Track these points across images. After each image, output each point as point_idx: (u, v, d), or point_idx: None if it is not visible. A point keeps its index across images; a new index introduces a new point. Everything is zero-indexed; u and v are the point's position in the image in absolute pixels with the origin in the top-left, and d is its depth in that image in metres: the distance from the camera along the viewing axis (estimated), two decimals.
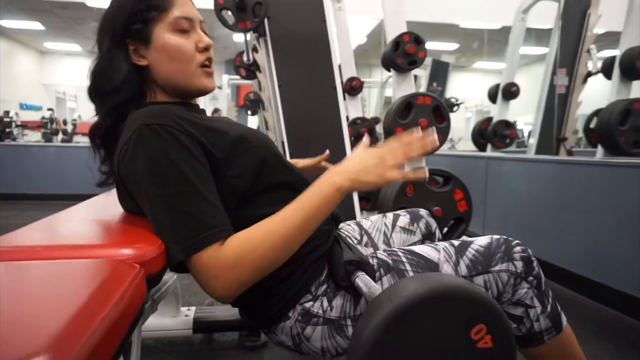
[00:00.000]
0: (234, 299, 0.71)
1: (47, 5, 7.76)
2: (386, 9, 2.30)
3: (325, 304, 0.82)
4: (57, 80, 11.65)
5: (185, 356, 1.42)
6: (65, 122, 8.42)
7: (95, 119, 0.84)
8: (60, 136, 7.78)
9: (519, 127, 7.10)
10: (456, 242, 0.90)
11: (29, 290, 0.46)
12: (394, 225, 1.16)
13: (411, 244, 1.11)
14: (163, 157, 0.67)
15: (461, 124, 7.72)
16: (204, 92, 0.83)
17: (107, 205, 0.95)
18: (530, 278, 0.85)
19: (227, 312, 1.53)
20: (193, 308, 1.51)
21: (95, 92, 0.80)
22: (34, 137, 7.97)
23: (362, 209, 3.05)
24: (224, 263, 0.66)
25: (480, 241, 0.89)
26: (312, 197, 0.73)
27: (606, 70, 3.35)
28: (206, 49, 0.81)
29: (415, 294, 0.60)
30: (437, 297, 0.61)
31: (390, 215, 1.19)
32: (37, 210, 3.60)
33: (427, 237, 1.16)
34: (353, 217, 2.06)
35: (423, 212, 1.23)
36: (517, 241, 0.88)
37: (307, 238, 0.74)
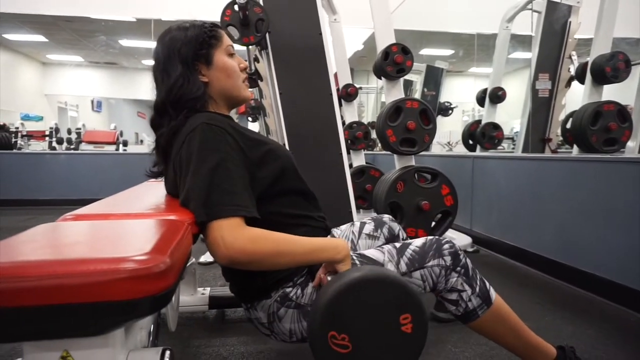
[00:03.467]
0: (232, 264, 0.83)
1: (51, 18, 7.97)
2: (376, 21, 2.48)
3: (299, 291, 1.00)
4: (58, 90, 11.84)
5: (201, 328, 1.63)
6: (69, 131, 8.64)
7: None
8: (64, 145, 8.01)
9: (515, 129, 7.25)
10: (398, 245, 1.10)
11: (131, 232, 0.69)
12: (360, 232, 1.33)
13: (377, 247, 1.21)
14: (214, 143, 0.88)
15: (458, 127, 7.67)
16: (246, 100, 1.08)
17: (146, 192, 1.18)
18: (458, 268, 1.05)
19: None
20: (208, 288, 1.72)
21: (173, 103, 0.97)
22: (37, 147, 8.16)
23: (358, 208, 3.23)
24: (246, 235, 0.82)
25: (417, 242, 1.09)
26: (326, 246, 0.92)
27: (579, 75, 3.54)
28: (245, 68, 1.08)
29: (352, 277, 0.80)
30: (370, 281, 0.80)
31: (357, 223, 1.36)
32: (50, 215, 3.77)
33: (391, 240, 1.32)
34: (350, 215, 2.22)
35: (386, 217, 1.39)
36: (446, 239, 1.08)
37: (297, 264, 0.93)
